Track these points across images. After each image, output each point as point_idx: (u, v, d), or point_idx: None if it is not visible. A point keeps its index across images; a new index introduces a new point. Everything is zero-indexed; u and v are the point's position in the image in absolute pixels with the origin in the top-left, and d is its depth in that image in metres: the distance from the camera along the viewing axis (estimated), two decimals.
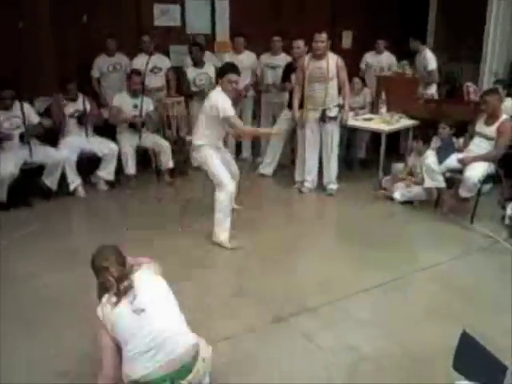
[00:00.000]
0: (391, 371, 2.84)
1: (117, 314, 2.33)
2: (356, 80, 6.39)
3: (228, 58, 6.45)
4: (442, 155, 4.94)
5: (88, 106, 5.59)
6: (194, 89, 6.24)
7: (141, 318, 2.31)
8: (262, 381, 2.78)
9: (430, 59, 6.59)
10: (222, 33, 7.34)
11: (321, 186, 5.72)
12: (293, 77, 5.73)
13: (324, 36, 5.17)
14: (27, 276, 3.85)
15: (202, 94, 6.12)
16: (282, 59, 6.29)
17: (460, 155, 4.92)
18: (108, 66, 6.29)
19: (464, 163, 4.81)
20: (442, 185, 4.94)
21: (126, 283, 2.37)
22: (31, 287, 3.69)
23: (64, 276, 3.83)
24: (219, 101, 4.18)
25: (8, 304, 3.45)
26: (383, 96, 6.21)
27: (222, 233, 4.30)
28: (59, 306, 3.45)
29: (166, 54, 6.69)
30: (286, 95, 6.07)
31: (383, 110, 6.13)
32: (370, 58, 7.24)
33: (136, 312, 2.32)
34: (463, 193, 4.81)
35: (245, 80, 6.43)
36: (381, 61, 7.19)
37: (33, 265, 4.02)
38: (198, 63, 6.24)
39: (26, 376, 2.80)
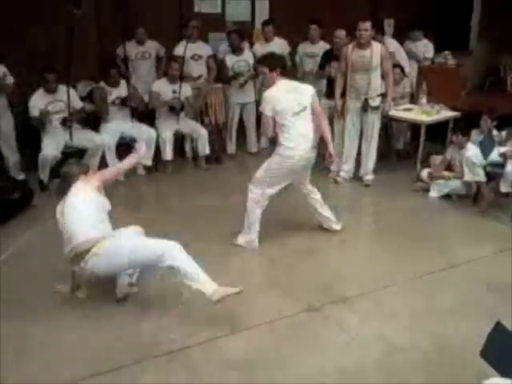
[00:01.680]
0: (421, 364, 2.84)
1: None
2: (396, 70, 6.28)
3: (259, 47, 6.45)
4: (485, 149, 4.82)
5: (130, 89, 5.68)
6: (232, 75, 6.24)
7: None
8: (293, 370, 2.81)
9: (430, 47, 6.85)
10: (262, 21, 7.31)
11: (356, 176, 5.68)
12: (332, 64, 5.69)
13: (368, 25, 5.09)
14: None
15: (241, 81, 6.19)
16: (321, 48, 6.22)
17: (502, 149, 4.80)
18: (136, 54, 6.25)
19: (505, 157, 4.70)
20: (483, 179, 4.84)
21: None
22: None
23: None
24: None
25: (45, 287, 3.56)
26: (424, 86, 6.10)
27: None
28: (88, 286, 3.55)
29: (205, 41, 6.71)
30: (324, 84, 6.01)
31: (423, 100, 6.01)
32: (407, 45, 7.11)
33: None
34: (504, 188, 4.71)
35: None
36: (416, 50, 7.04)
37: None
38: (236, 50, 6.24)
39: (47, 359, 2.90)
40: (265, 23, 6.56)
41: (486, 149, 4.82)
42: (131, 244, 3.20)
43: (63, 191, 3.36)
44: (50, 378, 2.74)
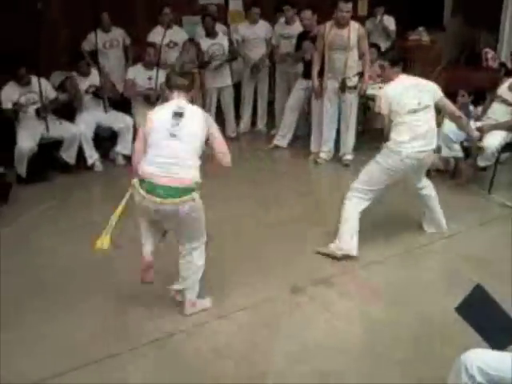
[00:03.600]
0: (406, 341, 2.89)
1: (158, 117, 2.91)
2: (372, 50, 6.27)
3: (244, 28, 6.39)
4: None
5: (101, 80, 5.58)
6: (207, 60, 6.19)
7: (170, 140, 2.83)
8: (278, 350, 2.85)
9: (392, 21, 6.86)
10: (235, 2, 7.23)
11: (337, 156, 5.70)
12: (303, 44, 5.66)
13: (350, 6, 5.07)
14: (46, 249, 3.95)
15: (216, 65, 6.14)
16: (297, 29, 6.17)
17: (478, 123, 4.85)
18: (104, 43, 6.08)
19: (482, 132, 4.74)
20: (460, 154, 4.90)
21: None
22: (49, 260, 3.77)
23: (81, 248, 3.91)
24: None
25: (27, 275, 3.56)
26: None
27: None
28: (75, 278, 3.54)
29: (179, 25, 6.62)
30: (301, 65, 6.00)
31: None
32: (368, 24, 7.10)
33: (171, 135, 2.84)
34: (481, 162, 4.76)
35: (260, 51, 6.38)
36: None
37: (52, 238, 4.12)
38: (210, 34, 6.17)
39: (39, 348, 2.90)
40: (253, 4, 6.48)
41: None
42: None
43: None
44: (34, 368, 2.73)
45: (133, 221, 3.14)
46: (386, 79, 3.81)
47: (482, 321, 2.08)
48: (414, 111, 3.61)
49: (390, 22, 6.91)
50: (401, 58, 3.75)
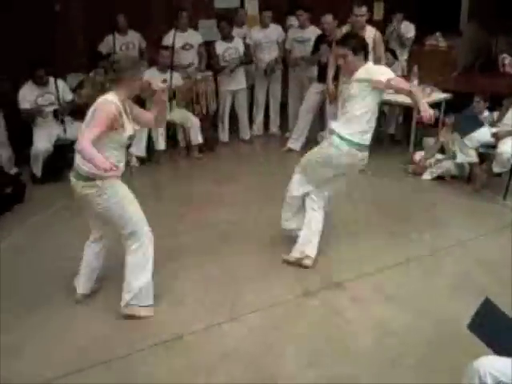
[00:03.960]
0: (415, 346, 2.87)
1: None
2: (387, 55, 6.25)
3: (256, 32, 6.41)
4: (466, 126, 4.81)
5: None
6: (222, 64, 6.21)
7: None
8: (289, 353, 2.84)
9: (411, 28, 6.81)
10: (251, 7, 7.26)
11: None
12: (321, 47, 5.66)
13: (364, 10, 5.06)
14: (58, 248, 3.99)
15: (231, 67, 6.16)
16: (311, 32, 6.17)
17: (494, 129, 4.81)
18: (121, 46, 6.12)
19: (498, 138, 4.70)
20: (475, 160, 4.86)
21: None
22: (61, 258, 3.80)
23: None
24: None
25: (39, 274, 3.60)
26: (415, 69, 6.08)
27: None
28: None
29: (195, 28, 6.66)
30: (315, 69, 6.00)
31: (415, 82, 5.99)
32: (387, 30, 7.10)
33: None
34: (496, 168, 4.72)
35: (272, 54, 6.39)
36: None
37: (65, 237, 4.16)
38: (226, 37, 6.20)
39: (43, 350, 2.92)
40: (265, 8, 6.52)
41: (466, 125, 4.80)
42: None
43: None
44: (45, 367, 2.75)
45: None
46: (348, 69, 3.48)
47: (493, 334, 2.08)
48: None
49: (409, 29, 6.88)
50: (362, 46, 3.48)
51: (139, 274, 3.10)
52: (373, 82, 3.30)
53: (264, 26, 6.41)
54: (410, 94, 3.32)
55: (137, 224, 3.07)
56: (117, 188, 3.01)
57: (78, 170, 2.97)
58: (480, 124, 4.81)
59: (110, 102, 2.87)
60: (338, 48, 3.46)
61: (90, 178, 2.93)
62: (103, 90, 2.97)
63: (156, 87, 3.05)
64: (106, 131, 2.82)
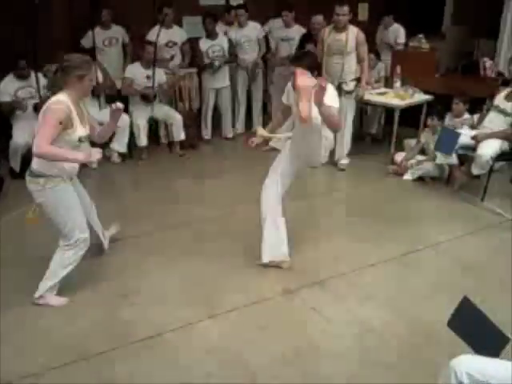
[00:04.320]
0: (396, 345, 2.89)
1: None
2: (371, 56, 6.29)
3: (234, 32, 6.39)
4: (443, 145, 4.85)
5: (100, 76, 5.56)
6: (206, 61, 6.18)
7: None
8: (269, 351, 2.84)
9: (402, 32, 6.97)
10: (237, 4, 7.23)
11: (331, 160, 5.69)
12: (306, 46, 5.68)
13: (346, 9, 5.07)
14: (35, 242, 3.93)
15: (214, 67, 6.13)
16: (296, 31, 6.20)
17: (474, 132, 4.87)
18: (104, 40, 6.06)
19: (477, 140, 4.76)
20: (454, 162, 4.92)
21: None
22: (37, 253, 3.74)
23: None
24: None
25: (20, 272, 3.53)
26: (398, 70, 6.13)
27: None
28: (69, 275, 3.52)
29: (180, 25, 6.62)
30: None
31: (397, 84, 6.05)
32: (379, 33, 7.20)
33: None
34: (475, 170, 4.78)
35: (253, 53, 6.39)
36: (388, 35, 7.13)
37: (42, 231, 4.10)
38: (210, 35, 6.18)
39: (20, 345, 2.89)
40: (236, 7, 6.49)
41: (446, 143, 4.83)
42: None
43: None
44: (23, 363, 2.72)
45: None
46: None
47: (471, 333, 2.11)
48: None
49: (399, 34, 6.97)
50: (317, 65, 3.50)
51: (59, 270, 3.18)
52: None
53: (240, 25, 6.38)
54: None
55: (72, 230, 3.11)
56: (58, 191, 3.04)
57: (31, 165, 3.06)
58: (457, 136, 4.81)
59: (60, 102, 2.88)
60: (292, 65, 3.35)
61: (35, 174, 3.01)
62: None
63: (114, 106, 3.07)
64: (58, 132, 2.84)
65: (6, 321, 3.04)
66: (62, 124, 2.85)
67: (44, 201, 3.05)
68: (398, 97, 5.78)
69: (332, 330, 3.02)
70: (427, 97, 5.94)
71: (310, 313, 3.17)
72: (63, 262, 3.17)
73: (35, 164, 3.00)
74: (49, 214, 3.10)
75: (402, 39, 6.99)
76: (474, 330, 2.08)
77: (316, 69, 3.36)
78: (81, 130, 2.99)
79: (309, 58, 3.41)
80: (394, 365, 2.74)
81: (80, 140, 3.00)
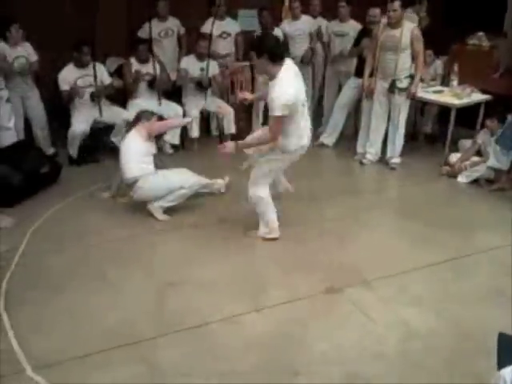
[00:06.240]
0: (441, 351, 2.84)
1: None
2: (428, 52, 6.13)
3: (286, 24, 6.36)
4: (506, 141, 4.71)
5: (158, 70, 5.65)
6: None
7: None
8: (311, 348, 2.85)
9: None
10: None
11: (383, 159, 5.62)
12: (363, 42, 5.61)
13: (397, 4, 4.97)
14: (92, 228, 4.11)
15: None
16: (351, 27, 6.09)
17: None
18: (160, 32, 6.10)
19: None
20: (504, 167, 4.83)
21: None
22: (94, 239, 3.91)
23: (126, 229, 4.05)
24: None
25: (74, 258, 3.68)
26: (455, 68, 5.96)
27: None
28: (122, 261, 3.64)
29: (235, 17, 6.65)
30: (354, 63, 5.93)
31: (455, 82, 5.88)
32: None
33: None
34: None
35: (303, 46, 6.33)
36: None
37: (98, 218, 4.26)
38: (267, 28, 6.16)
39: (71, 328, 2.99)
40: None
41: (505, 141, 4.68)
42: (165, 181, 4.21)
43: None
44: (73, 345, 2.82)
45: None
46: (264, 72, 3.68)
47: None
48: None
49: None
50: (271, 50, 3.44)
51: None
52: None
53: (294, 17, 6.33)
54: None
55: None
56: None
57: None
58: None
59: None
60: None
61: None
62: None
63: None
64: None
65: (58, 305, 3.16)
66: None
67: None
68: (455, 96, 5.62)
69: (376, 331, 3.00)
70: (485, 96, 5.74)
71: (354, 312, 3.15)
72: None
73: None
74: None
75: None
76: None
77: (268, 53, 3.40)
78: None
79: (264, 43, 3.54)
80: (438, 370, 2.70)
81: None
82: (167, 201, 4.24)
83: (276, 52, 3.45)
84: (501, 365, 2.06)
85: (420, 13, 6.66)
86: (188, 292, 3.31)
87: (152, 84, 5.62)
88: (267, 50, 3.42)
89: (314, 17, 6.43)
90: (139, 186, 4.16)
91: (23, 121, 5.35)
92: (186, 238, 4.01)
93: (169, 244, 3.93)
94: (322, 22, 6.42)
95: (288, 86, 3.41)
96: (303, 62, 6.32)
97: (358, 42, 5.82)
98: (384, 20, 5.17)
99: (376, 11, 5.66)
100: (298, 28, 6.30)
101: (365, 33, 5.72)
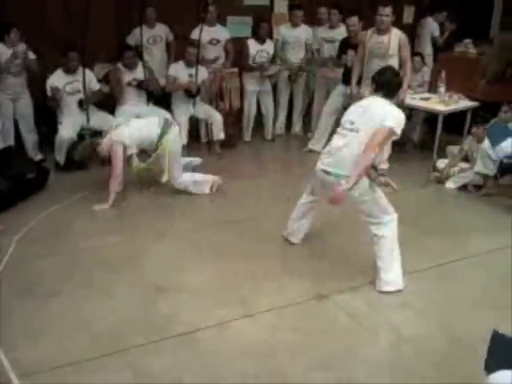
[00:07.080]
0: (432, 356, 2.84)
1: None
2: (416, 59, 6.19)
3: (284, 29, 6.39)
4: (493, 136, 4.76)
5: (148, 75, 5.63)
6: (251, 64, 6.21)
7: None
8: (302, 354, 2.84)
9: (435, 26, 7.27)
10: (280, 5, 7.25)
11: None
12: (348, 52, 5.63)
13: (388, 10, 5.00)
14: (78, 235, 4.07)
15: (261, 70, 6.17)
16: (341, 33, 6.13)
17: None
18: (148, 39, 6.09)
19: None
20: (491, 173, 4.86)
21: None
22: (87, 249, 3.86)
23: (113, 237, 4.01)
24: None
25: (62, 264, 3.64)
26: (443, 74, 6.01)
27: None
28: (112, 267, 3.60)
29: (223, 24, 6.66)
30: (341, 71, 5.96)
31: (442, 89, 5.93)
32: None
33: None
34: None
35: (299, 53, 6.36)
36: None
37: (85, 224, 4.22)
38: (260, 39, 6.19)
39: (59, 335, 2.95)
40: (296, 7, 6.40)
41: (493, 136, 4.74)
42: None
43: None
44: (62, 352, 2.78)
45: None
46: None
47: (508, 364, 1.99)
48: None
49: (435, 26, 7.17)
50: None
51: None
52: None
53: (294, 25, 6.36)
54: None
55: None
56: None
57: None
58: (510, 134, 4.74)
59: None
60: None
61: None
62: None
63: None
64: None
65: (49, 310, 3.13)
66: None
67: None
68: (442, 102, 5.67)
69: (367, 336, 3.00)
70: (472, 103, 5.80)
71: (345, 318, 3.15)
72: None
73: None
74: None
75: (437, 32, 7.28)
76: (510, 357, 1.99)
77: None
78: None
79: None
80: (429, 376, 2.69)
81: None
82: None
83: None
84: (490, 364, 2.06)
85: (442, 20, 7.27)
86: (178, 298, 3.29)
87: (141, 85, 5.60)
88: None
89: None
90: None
91: (13, 125, 5.33)
92: (176, 244, 3.98)
93: (159, 250, 3.90)
94: (308, 30, 6.45)
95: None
96: (291, 79, 6.37)
97: (341, 50, 5.85)
98: (372, 28, 5.20)
99: (354, 19, 5.68)
100: (296, 35, 6.34)
101: (346, 42, 5.75)
